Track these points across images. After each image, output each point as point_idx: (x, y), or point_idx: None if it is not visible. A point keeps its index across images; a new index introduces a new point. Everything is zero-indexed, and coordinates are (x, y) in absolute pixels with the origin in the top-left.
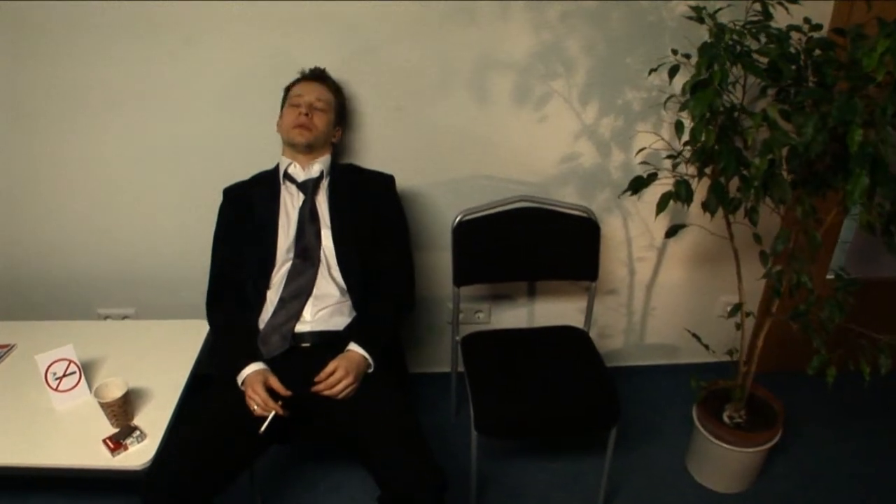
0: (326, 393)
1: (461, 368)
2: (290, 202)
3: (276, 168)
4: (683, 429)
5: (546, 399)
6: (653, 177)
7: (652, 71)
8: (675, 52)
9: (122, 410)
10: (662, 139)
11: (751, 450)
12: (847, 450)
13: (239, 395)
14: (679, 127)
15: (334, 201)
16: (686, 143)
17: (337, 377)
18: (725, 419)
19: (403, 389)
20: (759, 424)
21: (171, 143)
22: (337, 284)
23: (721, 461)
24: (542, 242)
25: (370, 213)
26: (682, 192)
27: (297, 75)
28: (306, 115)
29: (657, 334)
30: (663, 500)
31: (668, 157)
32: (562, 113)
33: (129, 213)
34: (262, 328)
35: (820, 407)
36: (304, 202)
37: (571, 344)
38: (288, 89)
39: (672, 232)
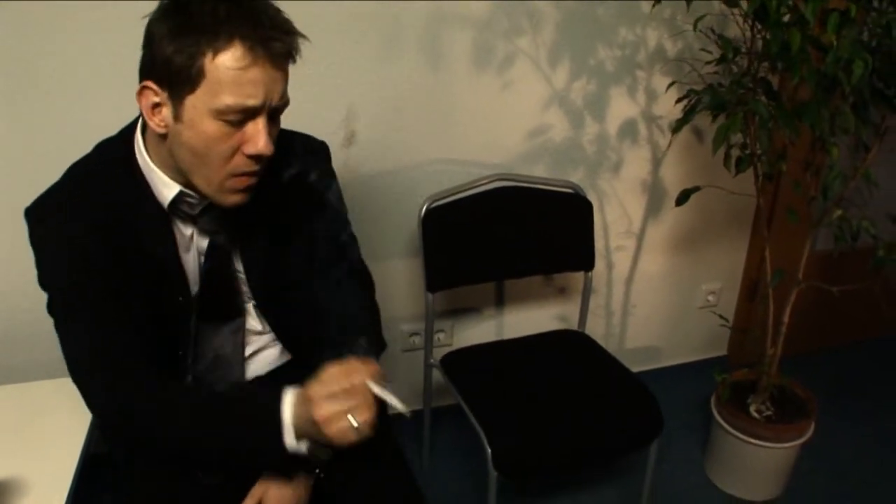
0: None
1: (439, 402)
2: (180, 232)
3: (139, 173)
4: (693, 437)
5: (580, 420)
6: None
7: (657, 2)
8: None
9: None
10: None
11: (788, 444)
12: (879, 433)
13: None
14: (725, 43)
15: (247, 216)
16: (731, 53)
17: None
18: (753, 413)
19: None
20: (788, 416)
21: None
22: (268, 335)
23: (754, 462)
24: (525, 228)
25: (303, 215)
26: (762, 112)
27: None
28: (257, 159)
29: (638, 337)
30: None
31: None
32: (529, 77)
33: None
34: None
35: (836, 389)
36: (211, 248)
37: (576, 351)
38: (202, 46)
39: (684, 198)
